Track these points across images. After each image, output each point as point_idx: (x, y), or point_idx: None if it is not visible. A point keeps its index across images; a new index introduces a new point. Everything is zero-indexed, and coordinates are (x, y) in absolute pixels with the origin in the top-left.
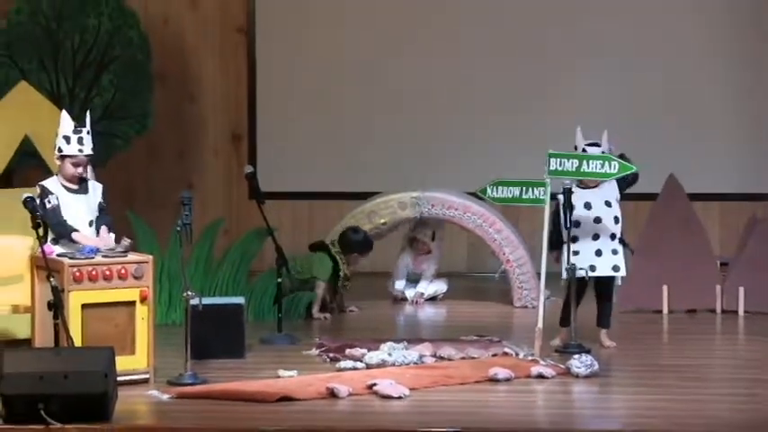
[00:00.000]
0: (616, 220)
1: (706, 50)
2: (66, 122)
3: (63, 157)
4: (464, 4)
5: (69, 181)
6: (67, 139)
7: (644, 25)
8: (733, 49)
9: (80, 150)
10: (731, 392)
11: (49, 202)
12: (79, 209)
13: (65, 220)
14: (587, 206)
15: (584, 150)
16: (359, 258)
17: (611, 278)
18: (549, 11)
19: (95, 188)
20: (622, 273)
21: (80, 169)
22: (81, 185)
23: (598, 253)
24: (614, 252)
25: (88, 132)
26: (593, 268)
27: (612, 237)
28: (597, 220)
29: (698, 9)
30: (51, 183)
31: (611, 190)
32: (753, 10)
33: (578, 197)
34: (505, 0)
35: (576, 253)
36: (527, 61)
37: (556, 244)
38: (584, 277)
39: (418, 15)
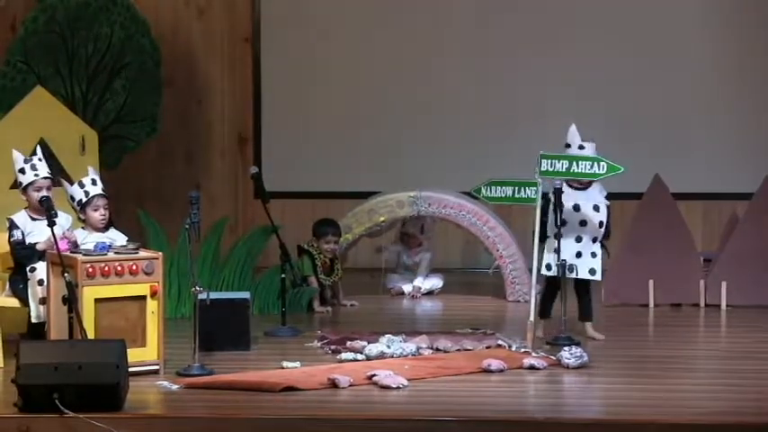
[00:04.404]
0: (600, 224)
1: (691, 55)
2: (17, 159)
3: (25, 189)
4: (461, 9)
5: (36, 210)
6: (22, 170)
7: (630, 29)
8: (717, 53)
9: (36, 175)
10: (713, 382)
11: (13, 236)
12: (42, 234)
13: (29, 247)
14: (576, 208)
15: (581, 147)
16: (327, 241)
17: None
18: (541, 15)
19: (67, 219)
20: (597, 277)
21: (44, 192)
22: (46, 216)
23: (578, 255)
24: (593, 255)
25: (40, 159)
26: (571, 269)
27: (594, 240)
28: (583, 222)
29: (683, 13)
30: (19, 216)
31: (599, 193)
32: (738, 14)
33: (568, 197)
34: (501, 5)
35: (556, 251)
36: (519, 65)
37: (542, 238)
38: (557, 276)
39: (417, 20)
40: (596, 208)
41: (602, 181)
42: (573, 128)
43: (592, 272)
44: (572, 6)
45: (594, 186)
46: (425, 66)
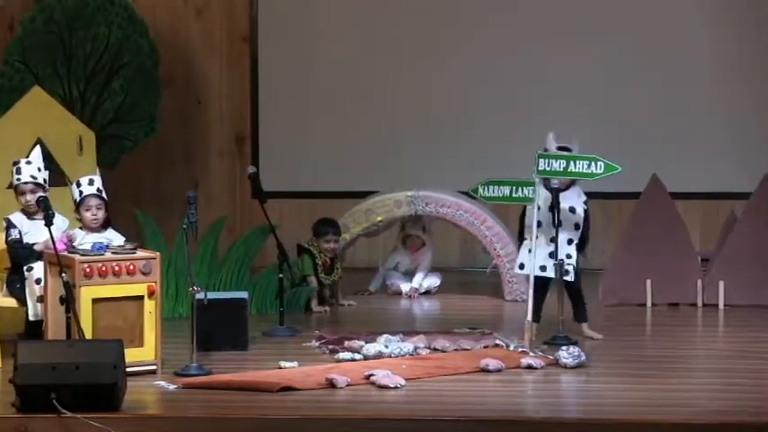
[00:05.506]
0: (576, 226)
1: (689, 54)
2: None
3: (15, 192)
4: (461, 10)
5: (28, 211)
6: (11, 173)
7: (630, 29)
8: (717, 53)
9: (18, 180)
10: (709, 382)
11: (10, 235)
12: (38, 234)
13: (27, 246)
14: (550, 208)
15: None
16: (327, 240)
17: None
18: (541, 16)
19: (64, 221)
20: (569, 278)
21: (28, 196)
22: (44, 216)
23: (551, 255)
24: (568, 256)
25: (28, 162)
26: (543, 269)
27: (569, 242)
28: (558, 224)
29: (683, 13)
30: (16, 215)
31: (577, 196)
32: (738, 13)
33: (546, 199)
34: (501, 5)
35: (530, 251)
36: (519, 65)
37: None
38: (545, 277)
39: (416, 20)
40: (572, 210)
41: (596, 181)
42: (551, 135)
43: (564, 273)
44: (572, 6)
45: (573, 189)
46: (425, 66)
